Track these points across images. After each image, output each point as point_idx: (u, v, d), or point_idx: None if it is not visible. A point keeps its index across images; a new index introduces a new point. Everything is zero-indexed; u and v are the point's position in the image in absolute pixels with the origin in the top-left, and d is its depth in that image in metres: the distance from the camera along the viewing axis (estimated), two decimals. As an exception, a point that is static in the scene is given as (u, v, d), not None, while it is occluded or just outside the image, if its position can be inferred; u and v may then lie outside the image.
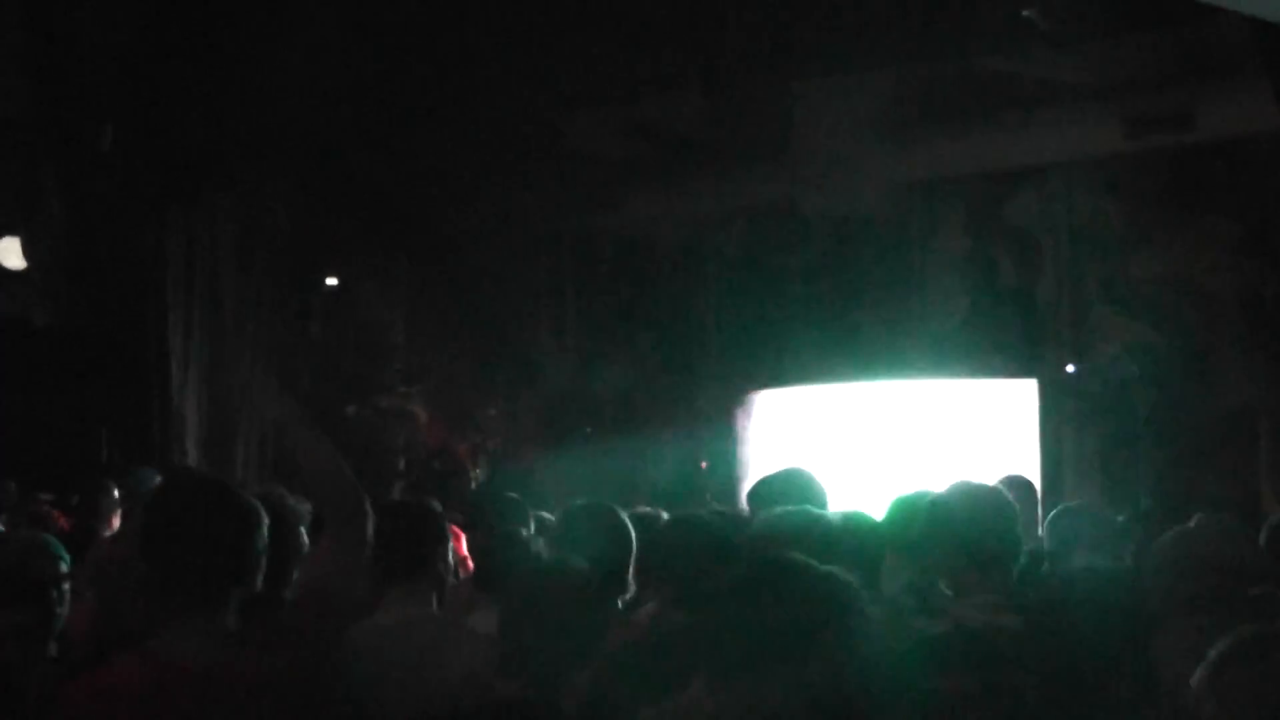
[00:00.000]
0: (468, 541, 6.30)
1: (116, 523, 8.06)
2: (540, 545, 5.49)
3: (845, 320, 12.40)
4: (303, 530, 5.17)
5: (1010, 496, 5.84)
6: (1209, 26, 9.88)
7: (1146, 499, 10.18)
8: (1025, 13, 9.00)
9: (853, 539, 5.14)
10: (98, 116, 10.69)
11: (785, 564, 3.55)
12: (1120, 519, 6.22)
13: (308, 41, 10.33)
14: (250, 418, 12.54)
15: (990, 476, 7.42)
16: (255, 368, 12.62)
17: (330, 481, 3.79)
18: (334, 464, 3.78)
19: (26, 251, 11.43)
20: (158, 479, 8.78)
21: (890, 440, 9.88)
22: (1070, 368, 11.89)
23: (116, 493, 8.17)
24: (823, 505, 5.86)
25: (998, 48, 11.20)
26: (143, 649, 3.56)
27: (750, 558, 4.46)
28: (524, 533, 5.80)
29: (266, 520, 4.41)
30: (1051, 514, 5.72)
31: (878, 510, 5.62)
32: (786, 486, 6.04)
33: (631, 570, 5.06)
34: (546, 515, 6.35)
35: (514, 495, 6.52)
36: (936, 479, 5.57)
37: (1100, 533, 5.60)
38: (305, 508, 5.41)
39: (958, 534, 4.71)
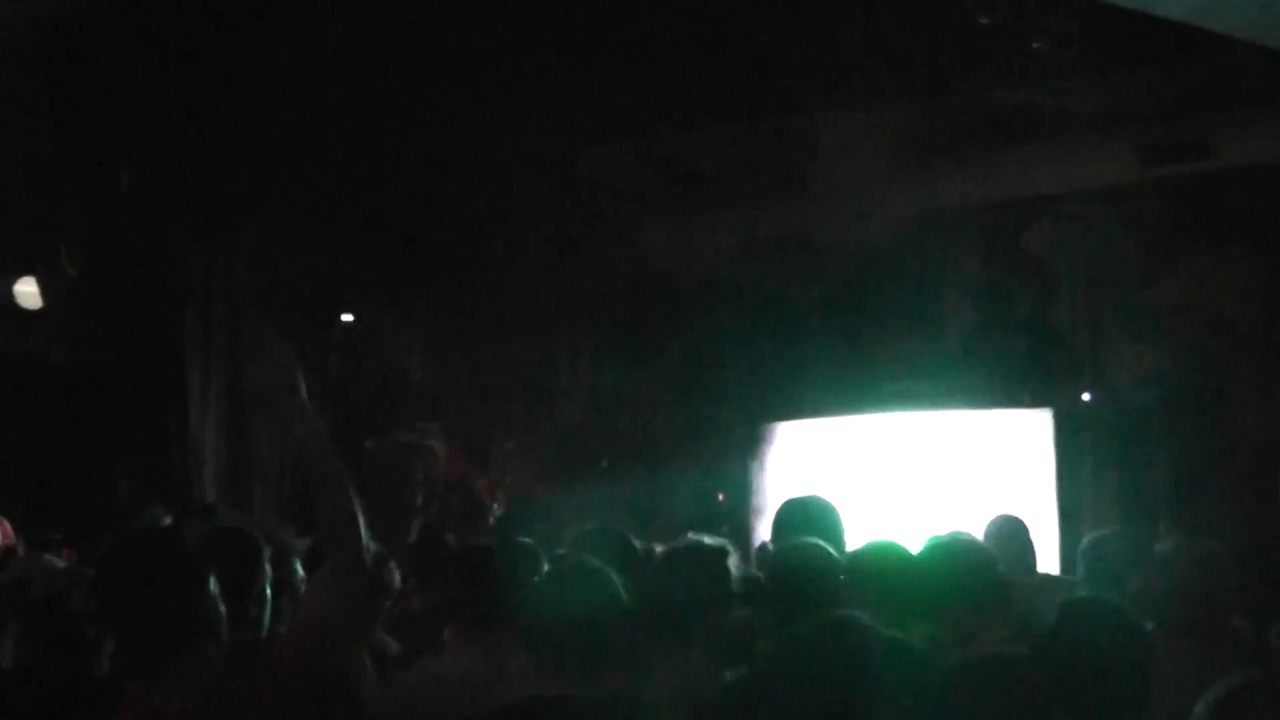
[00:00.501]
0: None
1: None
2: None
3: (861, 352, 12.38)
4: (297, 563, 5.18)
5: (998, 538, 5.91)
6: (1224, 55, 9.86)
7: (1164, 529, 10.13)
8: (1036, 45, 8.98)
9: (871, 572, 5.20)
10: (117, 155, 10.74)
11: (846, 626, 3.54)
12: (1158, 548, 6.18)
13: (326, 76, 10.36)
14: (271, 455, 12.56)
15: (1000, 509, 7.45)
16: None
17: (335, 508, 3.80)
18: (342, 492, 3.80)
19: (44, 290, 11.50)
20: (166, 518, 8.85)
21: (907, 472, 9.85)
22: (1087, 397, 11.85)
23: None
24: (839, 533, 5.93)
25: (1012, 79, 11.20)
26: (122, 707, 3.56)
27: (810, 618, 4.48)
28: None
29: (264, 558, 4.45)
30: (1085, 542, 5.70)
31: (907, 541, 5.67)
32: (805, 514, 6.15)
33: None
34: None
35: (525, 540, 6.48)
36: (967, 516, 5.62)
37: (1135, 558, 5.58)
38: (302, 542, 5.43)
39: (943, 594, 4.83)
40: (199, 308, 12.16)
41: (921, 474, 9.80)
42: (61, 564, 6.85)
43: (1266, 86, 9.03)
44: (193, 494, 11.81)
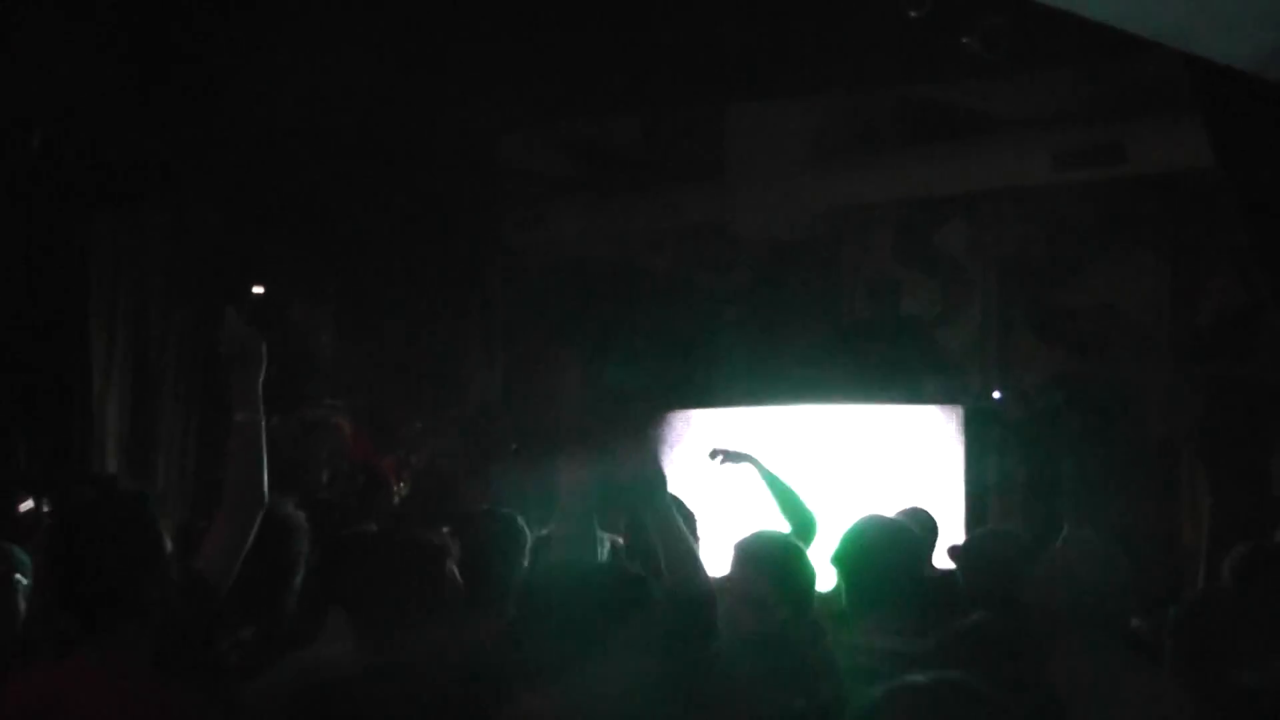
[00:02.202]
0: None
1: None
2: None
3: (773, 343, 12.40)
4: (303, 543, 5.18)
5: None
6: (1141, 59, 9.95)
7: (1068, 527, 10.21)
8: (965, 40, 9.00)
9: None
10: (27, 116, 10.53)
11: None
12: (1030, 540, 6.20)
13: (241, 52, 10.23)
14: (174, 429, 12.40)
15: (911, 502, 7.47)
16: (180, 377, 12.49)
17: (243, 471, 4.28)
18: (256, 460, 4.29)
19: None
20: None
21: (816, 465, 9.87)
22: (996, 395, 11.93)
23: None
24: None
25: (931, 76, 11.25)
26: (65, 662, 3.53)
27: None
28: None
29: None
30: (967, 539, 5.72)
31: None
32: None
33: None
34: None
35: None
36: (875, 511, 5.64)
37: (1011, 555, 5.59)
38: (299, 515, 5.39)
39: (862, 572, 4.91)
40: (106, 275, 11.98)
41: (831, 467, 9.82)
42: None
43: (1181, 92, 9.09)
44: (92, 464, 11.65)
